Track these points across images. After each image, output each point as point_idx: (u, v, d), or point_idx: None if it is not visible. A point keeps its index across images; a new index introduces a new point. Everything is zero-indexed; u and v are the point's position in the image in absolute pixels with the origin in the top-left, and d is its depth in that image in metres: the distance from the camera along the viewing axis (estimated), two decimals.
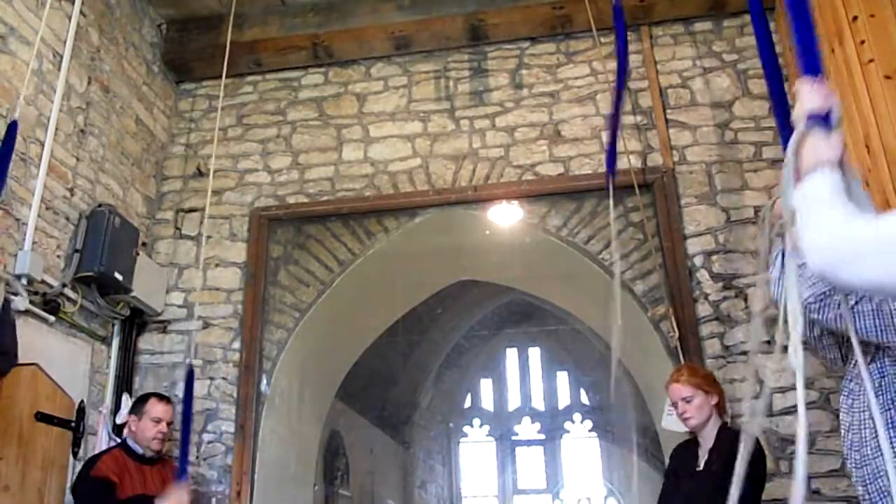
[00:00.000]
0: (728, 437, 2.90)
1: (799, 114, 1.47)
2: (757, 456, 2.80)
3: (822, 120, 1.43)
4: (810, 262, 1.33)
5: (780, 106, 1.86)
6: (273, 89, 4.96)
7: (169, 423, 3.59)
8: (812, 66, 1.48)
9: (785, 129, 1.62)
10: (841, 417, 1.99)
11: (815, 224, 1.33)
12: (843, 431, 1.96)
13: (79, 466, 3.59)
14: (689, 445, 3.08)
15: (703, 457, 2.95)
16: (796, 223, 1.38)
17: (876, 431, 1.76)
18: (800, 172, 1.41)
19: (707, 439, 2.97)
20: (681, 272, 3.95)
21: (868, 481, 1.80)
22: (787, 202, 1.47)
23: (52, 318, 3.58)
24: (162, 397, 3.65)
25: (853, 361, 1.95)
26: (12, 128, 3.10)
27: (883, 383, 1.81)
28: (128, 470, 3.36)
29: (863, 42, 3.20)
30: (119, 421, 3.94)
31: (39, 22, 3.66)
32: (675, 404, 3.05)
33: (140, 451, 3.48)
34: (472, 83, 4.71)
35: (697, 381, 2.99)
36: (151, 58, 4.80)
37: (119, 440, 3.85)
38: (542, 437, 12.94)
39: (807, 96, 1.46)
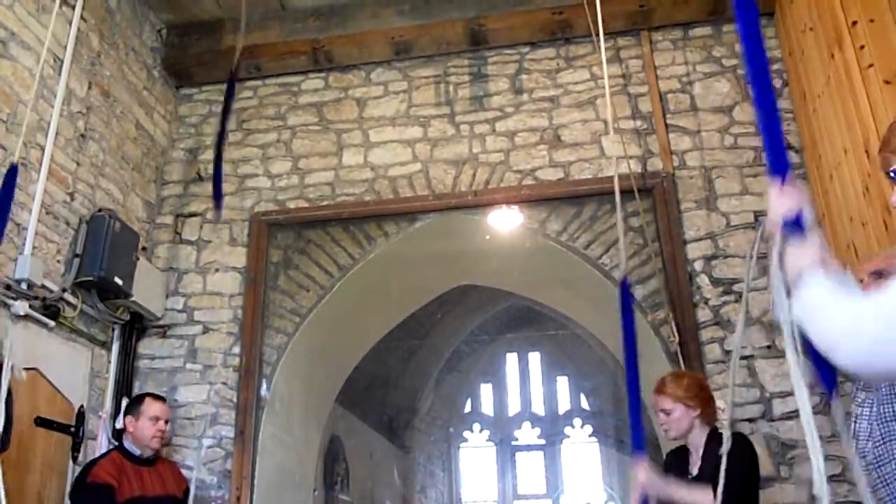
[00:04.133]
0: (717, 444, 2.89)
1: (771, 220, 1.43)
2: (748, 454, 2.81)
3: (796, 224, 1.38)
4: (842, 363, 1.28)
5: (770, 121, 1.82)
6: (273, 94, 4.97)
7: (166, 422, 3.62)
8: (779, 166, 1.44)
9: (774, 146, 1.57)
10: (857, 425, 2.01)
11: (829, 324, 1.29)
12: (857, 434, 1.97)
13: (78, 471, 3.58)
14: (681, 452, 3.07)
15: (695, 463, 2.94)
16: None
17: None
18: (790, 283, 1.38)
19: (696, 446, 2.96)
20: (681, 277, 3.95)
21: (889, 480, 1.83)
22: (780, 313, 1.43)
23: (51, 323, 3.58)
24: (157, 396, 3.68)
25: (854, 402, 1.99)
26: (11, 173, 2.86)
27: None
28: (125, 472, 3.36)
29: (862, 47, 3.21)
30: (119, 426, 3.94)
31: (40, 27, 3.67)
32: (657, 413, 3.05)
33: (138, 452, 3.49)
34: (472, 88, 4.72)
35: (679, 393, 2.96)
36: (152, 62, 4.80)
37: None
38: (543, 442, 12.92)
39: (776, 201, 1.42)
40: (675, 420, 2.95)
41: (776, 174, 1.43)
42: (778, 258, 1.41)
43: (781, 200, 1.41)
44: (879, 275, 2.34)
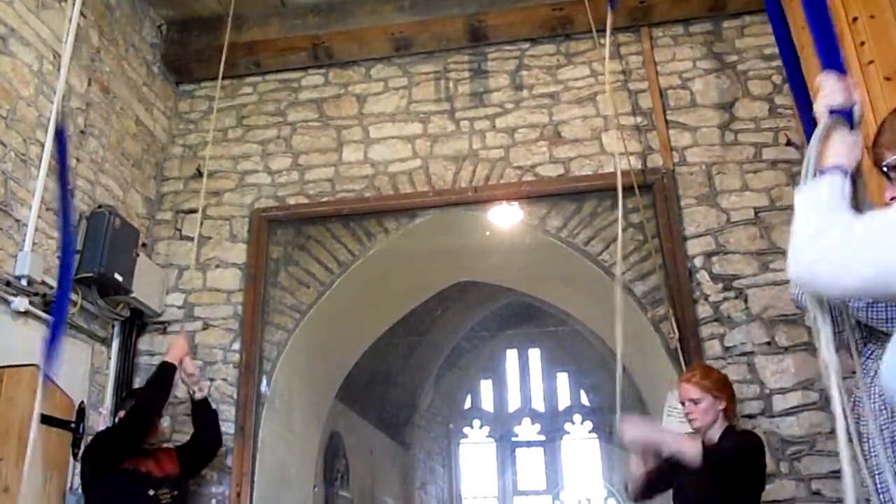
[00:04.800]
0: (732, 436, 2.91)
1: (821, 108, 1.45)
2: (757, 449, 2.83)
3: (845, 116, 1.41)
4: (789, 267, 1.31)
5: (799, 90, 1.83)
6: (273, 90, 4.96)
7: (159, 417, 3.65)
8: (834, 61, 1.46)
9: (806, 114, 1.59)
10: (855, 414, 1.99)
11: (803, 227, 1.32)
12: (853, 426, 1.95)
13: (79, 467, 3.59)
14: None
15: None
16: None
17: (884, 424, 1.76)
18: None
19: (711, 441, 2.97)
20: (681, 273, 3.95)
21: (874, 472, 1.82)
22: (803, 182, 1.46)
23: (52, 319, 3.58)
24: None
25: (864, 356, 1.94)
26: (61, 136, 2.92)
27: None
28: None
29: (863, 43, 3.20)
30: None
31: (40, 23, 3.67)
32: (682, 403, 3.05)
33: None
34: (472, 84, 4.71)
35: (708, 384, 2.99)
36: (151, 59, 4.80)
37: None
38: (542, 438, 12.95)
39: (829, 91, 1.44)
40: (702, 411, 2.97)
41: (830, 67, 1.45)
42: (819, 140, 1.43)
43: (836, 91, 1.43)
44: None
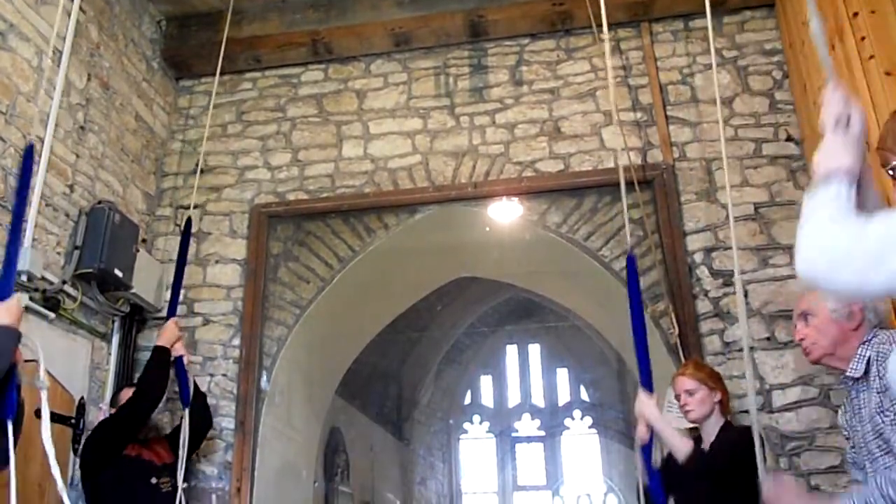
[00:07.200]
0: (729, 434, 2.92)
1: (824, 118, 1.47)
2: (734, 438, 2.86)
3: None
4: (799, 267, 1.32)
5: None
6: (273, 86, 4.95)
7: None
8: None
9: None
10: None
11: (812, 232, 1.33)
12: None
13: (80, 463, 3.59)
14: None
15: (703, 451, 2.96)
16: None
17: None
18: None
19: (709, 435, 2.99)
20: (681, 269, 3.95)
21: None
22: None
23: (52, 315, 3.58)
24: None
25: None
26: (27, 155, 2.77)
27: None
28: None
29: (863, 38, 3.20)
30: None
31: (39, 18, 3.66)
32: (677, 396, 3.08)
33: None
34: (472, 80, 4.71)
35: (702, 375, 3.03)
36: (151, 54, 4.79)
37: None
38: (542, 433, 12.95)
39: (831, 102, 1.47)
40: (697, 401, 3.00)
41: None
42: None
43: (836, 101, 1.47)
44: (805, 316, 2.42)
